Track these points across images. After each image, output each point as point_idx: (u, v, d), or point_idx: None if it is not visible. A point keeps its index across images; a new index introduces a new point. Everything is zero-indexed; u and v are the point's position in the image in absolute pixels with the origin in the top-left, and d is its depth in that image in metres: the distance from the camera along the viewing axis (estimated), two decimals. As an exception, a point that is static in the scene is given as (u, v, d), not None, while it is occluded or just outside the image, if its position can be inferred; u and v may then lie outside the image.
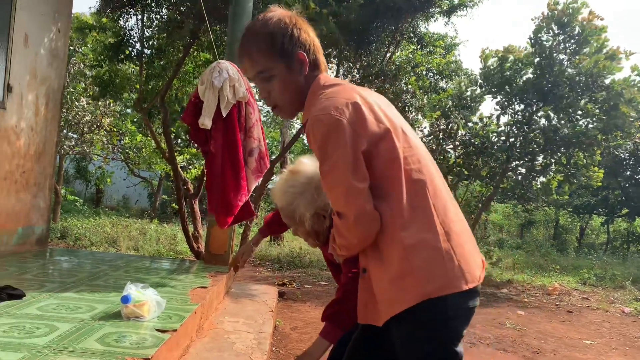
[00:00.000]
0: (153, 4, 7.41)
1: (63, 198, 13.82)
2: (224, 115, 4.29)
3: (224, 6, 6.47)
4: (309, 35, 1.62)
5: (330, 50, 7.67)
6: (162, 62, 7.92)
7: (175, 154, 7.91)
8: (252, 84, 4.59)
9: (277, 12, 1.63)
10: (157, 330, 2.86)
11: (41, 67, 5.45)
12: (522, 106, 10.72)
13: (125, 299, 3.01)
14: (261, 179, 4.77)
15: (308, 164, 1.88)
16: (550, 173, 11.07)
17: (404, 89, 7.58)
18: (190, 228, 7.32)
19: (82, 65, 10.83)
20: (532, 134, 10.43)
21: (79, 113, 10.84)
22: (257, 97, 5.97)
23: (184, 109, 9.88)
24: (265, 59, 1.58)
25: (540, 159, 10.85)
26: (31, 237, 5.57)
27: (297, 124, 17.41)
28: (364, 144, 1.43)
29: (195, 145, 10.16)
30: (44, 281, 3.90)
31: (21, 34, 5.02)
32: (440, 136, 10.84)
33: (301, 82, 1.60)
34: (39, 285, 3.69)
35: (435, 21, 7.36)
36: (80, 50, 11.03)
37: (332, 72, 8.24)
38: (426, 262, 1.44)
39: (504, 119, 11.47)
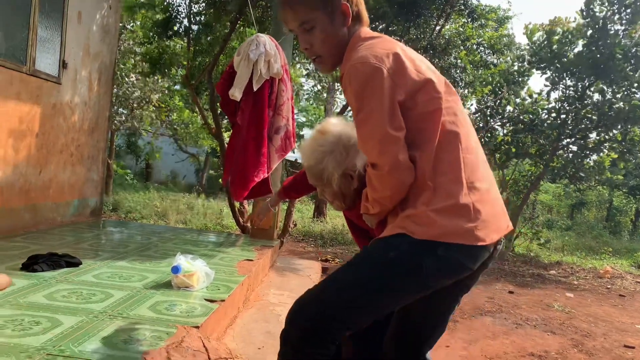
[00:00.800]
0: (200, -21, 7.45)
1: (114, 172, 14.31)
2: (255, 89, 4.23)
3: (270, -20, 6.43)
4: None
5: (377, 24, 7.52)
6: (209, 38, 7.98)
7: (222, 130, 8.01)
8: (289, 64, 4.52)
9: None
10: (206, 300, 2.93)
11: (94, 43, 5.59)
12: (574, 81, 10.24)
13: (176, 269, 3.10)
14: (284, 157, 4.72)
15: (337, 124, 1.85)
16: (604, 151, 10.59)
17: (454, 63, 7.37)
18: (237, 203, 7.44)
19: (132, 42, 11.07)
20: (584, 110, 9.97)
21: (129, 89, 11.12)
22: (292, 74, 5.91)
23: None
24: (307, 9, 1.56)
25: (593, 136, 10.38)
26: (86, 208, 5.79)
27: (340, 99, 17.29)
28: (401, 94, 1.42)
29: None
30: (98, 250, 4.06)
31: (75, 11, 5.15)
32: (488, 113, 10.52)
33: (343, 34, 1.58)
34: (94, 255, 3.84)
35: (487, -8, 7.04)
36: (129, 27, 11.25)
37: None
38: (441, 211, 1.44)
39: (554, 95, 11.05)
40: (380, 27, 7.61)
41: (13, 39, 4.33)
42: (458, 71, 7.30)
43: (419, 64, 1.50)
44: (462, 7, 7.67)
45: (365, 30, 1.61)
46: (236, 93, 4.18)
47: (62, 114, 5.11)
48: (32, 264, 3.17)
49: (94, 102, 5.72)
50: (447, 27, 7.78)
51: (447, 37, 7.31)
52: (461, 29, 7.77)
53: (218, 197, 15.30)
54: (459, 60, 7.33)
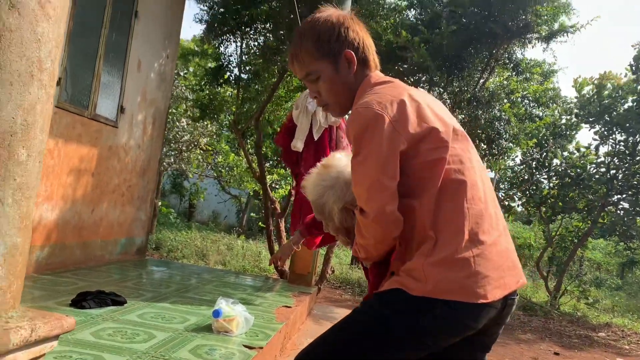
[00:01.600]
0: (252, 32, 7.82)
1: (159, 211, 14.73)
2: (316, 138, 4.45)
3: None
4: (358, 34, 1.58)
5: (419, 76, 7.66)
6: (257, 86, 8.30)
7: (265, 173, 8.20)
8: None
9: (325, 12, 1.60)
10: (245, 346, 2.96)
11: (150, 89, 5.92)
12: (624, 135, 10.02)
13: (217, 313, 3.16)
14: None
15: (341, 159, 1.85)
16: (658, 209, 10.19)
17: (497, 115, 7.37)
18: (276, 246, 7.52)
19: (184, 89, 11.61)
20: (636, 166, 9.70)
21: (179, 132, 11.59)
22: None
23: (275, 131, 10.24)
24: (311, 60, 1.56)
25: (645, 193, 10.03)
26: (132, 247, 5.99)
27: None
28: (403, 142, 1.39)
29: (285, 166, 10.47)
30: (142, 290, 4.18)
31: (135, 60, 5.50)
32: (533, 165, 10.37)
33: (350, 81, 1.58)
34: (138, 294, 3.95)
35: (532, 47, 7.11)
36: (182, 74, 11.84)
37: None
38: (439, 264, 1.38)
39: (603, 149, 10.76)
40: (423, 79, 7.74)
41: (79, 85, 4.65)
42: (502, 123, 7.29)
43: (425, 111, 1.45)
44: (507, 61, 7.74)
45: (376, 76, 1.59)
46: (298, 144, 4.41)
47: (117, 156, 5.39)
48: (80, 301, 3.30)
49: (147, 145, 6.00)
50: (491, 80, 7.84)
51: (491, 90, 7.35)
52: (505, 82, 7.82)
53: (257, 239, 15.45)
54: (503, 113, 7.34)
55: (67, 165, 4.55)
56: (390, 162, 1.38)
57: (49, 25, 1.27)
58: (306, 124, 4.47)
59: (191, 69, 11.48)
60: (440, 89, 7.90)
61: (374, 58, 1.61)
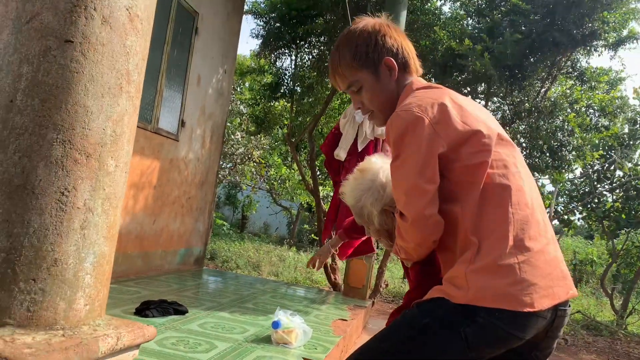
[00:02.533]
0: (306, 45, 7.91)
1: (213, 222, 15.04)
2: (360, 149, 4.39)
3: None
4: (396, 40, 1.56)
5: (476, 85, 7.49)
6: (311, 99, 8.36)
7: (318, 186, 8.22)
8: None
9: (362, 22, 1.59)
10: (304, 358, 2.94)
11: (209, 104, 6.07)
12: (698, 147, 9.42)
13: (276, 325, 3.15)
14: None
15: (376, 162, 1.80)
16: None
17: (560, 126, 7.09)
18: (328, 259, 7.49)
19: (239, 103, 11.87)
20: None
21: (234, 145, 11.83)
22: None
23: (327, 142, 10.29)
24: (351, 71, 1.55)
25: None
26: (190, 257, 6.11)
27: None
28: (443, 145, 1.36)
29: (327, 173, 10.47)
30: (202, 299, 4.24)
31: (195, 75, 5.65)
32: (595, 177, 9.89)
33: (391, 88, 1.56)
34: (198, 303, 4.01)
35: (599, 55, 6.81)
36: (238, 89, 12.11)
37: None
38: (481, 271, 1.32)
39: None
40: (480, 89, 7.56)
41: (143, 100, 4.81)
42: (565, 134, 7.00)
43: (467, 115, 1.42)
44: (571, 70, 7.45)
45: (418, 81, 1.56)
46: (341, 153, 4.35)
47: (177, 169, 5.53)
48: (144, 309, 3.38)
49: (205, 158, 6.14)
50: (554, 89, 7.56)
51: (553, 100, 7.08)
52: (569, 91, 7.52)
53: (308, 251, 15.48)
54: (566, 123, 7.05)
55: (130, 177, 4.71)
56: (429, 165, 1.35)
57: (137, 38, 1.32)
58: (352, 134, 4.41)
59: (247, 84, 11.72)
60: (499, 99, 7.69)
61: (414, 62, 1.59)
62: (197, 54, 5.61)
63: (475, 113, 1.44)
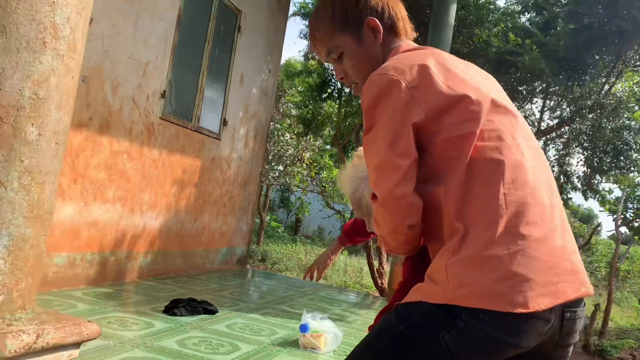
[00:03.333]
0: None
1: (267, 224, 15.11)
2: None
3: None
4: None
5: (534, 85, 7.06)
6: (358, 100, 8.20)
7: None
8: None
9: None
10: (331, 365, 2.78)
11: (252, 103, 6.03)
12: None
13: (304, 328, 3.01)
14: None
15: None
16: None
17: (626, 124, 6.55)
18: (375, 263, 7.28)
19: (289, 105, 11.86)
20: None
21: (283, 147, 11.82)
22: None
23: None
24: (331, 35, 1.36)
25: None
26: (233, 257, 6.09)
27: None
28: (420, 113, 1.14)
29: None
30: (237, 300, 4.17)
31: (238, 74, 5.63)
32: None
33: (377, 53, 1.35)
34: (232, 303, 3.94)
35: (671, 45, 6.24)
36: (288, 92, 12.10)
37: (537, 108, 7.56)
38: (464, 262, 1.09)
39: None
40: (538, 88, 7.13)
41: (183, 99, 4.82)
42: (632, 133, 6.46)
43: (453, 77, 1.20)
44: (639, 63, 6.87)
45: (407, 44, 1.36)
46: None
47: (220, 167, 5.52)
48: (172, 308, 3.33)
49: (248, 157, 6.10)
50: (619, 85, 7.01)
51: (618, 96, 6.56)
52: (636, 88, 6.95)
53: (359, 255, 15.25)
54: (633, 122, 6.51)
55: (170, 175, 4.72)
56: (402, 135, 1.15)
57: None
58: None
59: (296, 88, 11.71)
60: (558, 97, 7.22)
61: (404, 24, 1.38)
62: (240, 53, 5.59)
63: (465, 75, 1.22)
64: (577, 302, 1.17)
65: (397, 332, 1.15)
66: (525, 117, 7.67)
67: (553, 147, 7.41)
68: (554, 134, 7.31)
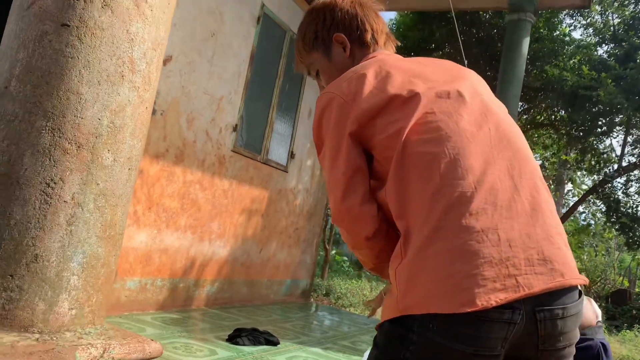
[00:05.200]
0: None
1: (332, 258, 15.07)
2: None
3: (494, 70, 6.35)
4: (349, 12, 1.36)
5: (611, 117, 6.73)
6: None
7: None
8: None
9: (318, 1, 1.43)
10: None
11: (320, 137, 6.13)
12: None
13: (365, 365, 2.94)
14: None
15: None
16: None
17: None
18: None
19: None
20: None
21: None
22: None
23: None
24: (304, 53, 1.40)
25: None
26: (297, 289, 6.10)
27: (573, 201, 15.64)
28: (353, 123, 1.14)
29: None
30: (299, 332, 4.15)
31: (306, 108, 5.76)
32: None
33: (347, 67, 1.32)
34: (294, 336, 3.92)
35: None
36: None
37: (618, 142, 7.17)
38: (407, 266, 1.02)
39: None
40: (617, 120, 6.78)
41: (254, 132, 4.99)
42: None
43: (392, 79, 1.17)
44: None
45: (374, 55, 1.34)
46: None
47: (286, 199, 5.60)
48: (236, 337, 3.36)
49: (314, 189, 6.17)
50: None
51: None
52: None
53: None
54: None
55: (239, 205, 4.84)
56: (340, 149, 1.14)
57: (144, 25, 1.26)
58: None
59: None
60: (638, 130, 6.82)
61: (373, 36, 1.37)
62: (308, 88, 5.73)
63: (407, 75, 1.19)
64: (557, 297, 1.03)
65: (373, 358, 1.10)
66: (602, 153, 7.27)
67: (637, 184, 6.96)
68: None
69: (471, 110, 1.16)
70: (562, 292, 1.04)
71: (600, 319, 1.55)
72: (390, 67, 1.21)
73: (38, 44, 1.25)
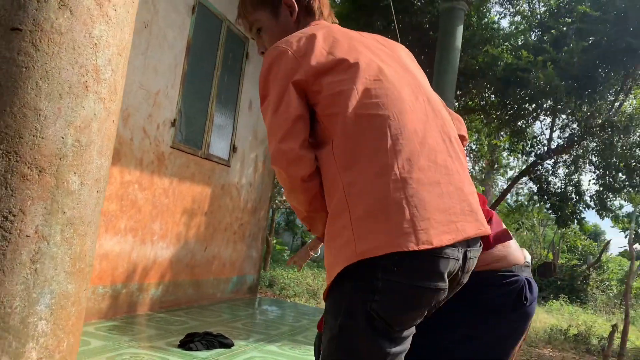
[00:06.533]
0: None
1: (273, 248, 14.97)
2: None
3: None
4: None
5: (542, 101, 7.03)
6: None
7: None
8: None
9: None
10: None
11: (262, 128, 6.00)
12: None
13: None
14: None
15: None
16: None
17: (638, 142, 6.49)
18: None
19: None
20: None
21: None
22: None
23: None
24: (252, 10, 1.47)
25: None
26: (243, 285, 5.98)
27: (500, 179, 16.36)
28: (301, 74, 1.23)
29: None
30: (251, 331, 4.06)
31: (247, 100, 5.60)
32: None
33: (291, 29, 1.44)
34: (247, 335, 3.83)
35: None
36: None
37: (546, 126, 7.51)
38: (366, 213, 1.12)
39: None
40: (545, 105, 7.10)
41: (193, 126, 4.79)
42: (645, 151, 6.41)
43: (339, 45, 1.28)
44: (647, 80, 6.85)
45: (317, 23, 1.44)
46: None
47: (229, 194, 5.45)
48: (188, 342, 3.23)
49: (257, 183, 6.04)
50: (629, 102, 6.99)
51: (628, 113, 6.52)
52: (646, 104, 6.92)
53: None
54: (645, 138, 6.46)
55: (180, 204, 4.65)
56: (284, 96, 1.23)
57: (108, 27, 1.12)
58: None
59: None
60: (567, 115, 7.18)
61: (319, 6, 1.49)
62: (248, 79, 5.57)
63: (353, 44, 1.31)
64: (475, 242, 1.25)
65: (337, 327, 1.14)
66: (534, 137, 7.62)
67: (564, 165, 7.35)
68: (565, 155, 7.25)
69: (408, 81, 1.30)
70: (479, 238, 1.28)
71: (528, 261, 1.67)
72: (336, 34, 1.32)
73: (-17, 53, 1.04)
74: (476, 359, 1.59)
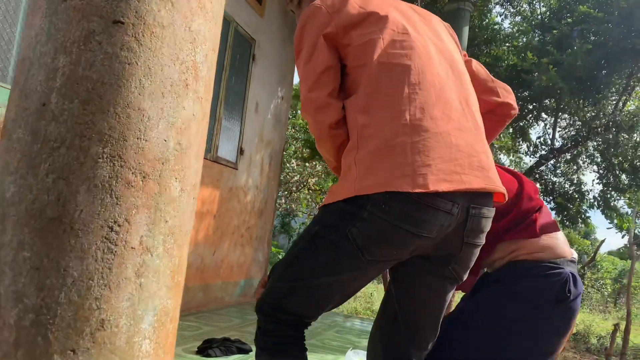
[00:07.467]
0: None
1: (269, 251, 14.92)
2: None
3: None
4: None
5: (546, 102, 7.05)
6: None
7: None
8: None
9: None
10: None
11: (267, 131, 5.96)
12: None
13: (351, 368, 2.87)
14: None
15: None
16: None
17: (642, 142, 6.53)
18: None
19: (294, 130, 11.82)
20: None
21: (289, 174, 11.74)
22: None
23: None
24: None
25: None
26: (251, 289, 5.93)
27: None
28: (332, 27, 1.29)
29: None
30: (266, 335, 4.01)
31: (253, 102, 5.56)
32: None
33: None
34: (262, 340, 3.78)
35: (685, 62, 6.25)
36: (291, 117, 12.10)
37: (549, 126, 7.52)
38: (371, 153, 1.18)
39: None
40: (547, 104, 7.11)
41: (201, 130, 4.74)
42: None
43: (371, 2, 1.34)
44: (649, 80, 6.89)
45: None
46: None
47: (237, 197, 5.40)
48: (206, 348, 3.18)
49: (264, 185, 6.00)
50: (632, 102, 7.02)
51: (632, 113, 6.54)
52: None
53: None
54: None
55: (191, 208, 4.60)
56: (315, 49, 1.29)
57: (205, 21, 1.06)
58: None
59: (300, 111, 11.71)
60: (569, 115, 7.21)
61: None
62: (254, 81, 5.53)
63: (387, 1, 1.38)
64: (485, 199, 1.24)
65: (313, 232, 1.24)
66: (539, 137, 7.64)
67: (567, 166, 7.37)
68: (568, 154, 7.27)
69: (435, 43, 1.35)
70: (490, 195, 1.26)
71: (575, 257, 1.64)
72: None
73: (84, 47, 0.96)
74: (520, 355, 1.56)
